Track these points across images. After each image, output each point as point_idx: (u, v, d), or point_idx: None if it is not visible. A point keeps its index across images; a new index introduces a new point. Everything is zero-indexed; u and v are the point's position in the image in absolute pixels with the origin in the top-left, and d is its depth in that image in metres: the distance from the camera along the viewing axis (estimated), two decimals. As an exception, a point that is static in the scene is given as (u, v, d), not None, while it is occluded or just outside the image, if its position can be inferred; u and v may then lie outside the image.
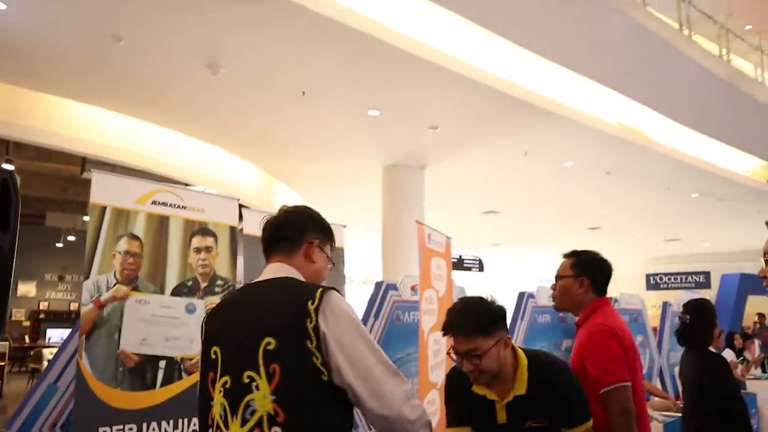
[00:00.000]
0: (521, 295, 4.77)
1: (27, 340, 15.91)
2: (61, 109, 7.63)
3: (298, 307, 1.54)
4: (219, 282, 3.16)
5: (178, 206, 3.02)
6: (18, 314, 16.77)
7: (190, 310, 3.00)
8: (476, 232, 14.68)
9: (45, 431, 2.78)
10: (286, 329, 1.54)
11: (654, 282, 19.46)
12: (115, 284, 2.76)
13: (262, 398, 1.51)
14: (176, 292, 2.97)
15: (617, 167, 9.69)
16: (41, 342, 15.35)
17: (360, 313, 4.25)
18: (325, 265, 1.80)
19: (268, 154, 9.10)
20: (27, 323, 16.75)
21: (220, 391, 1.60)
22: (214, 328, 1.72)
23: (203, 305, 3.07)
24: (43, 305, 17.14)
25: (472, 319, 2.04)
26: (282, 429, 1.49)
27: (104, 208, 2.76)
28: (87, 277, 2.69)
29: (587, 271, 2.54)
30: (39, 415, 2.77)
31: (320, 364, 1.52)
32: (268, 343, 1.53)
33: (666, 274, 19.49)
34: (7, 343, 12.71)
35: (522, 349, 2.16)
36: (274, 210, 1.86)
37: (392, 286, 4.31)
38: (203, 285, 3.09)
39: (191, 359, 2.95)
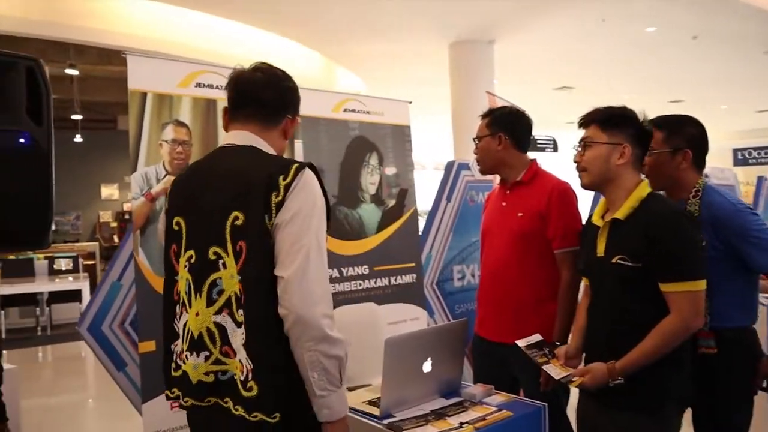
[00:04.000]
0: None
1: (116, 240, 16.72)
2: (113, 6, 7.41)
3: (269, 179, 1.40)
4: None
5: (225, 87, 2.76)
6: (105, 216, 17.56)
7: (248, 199, 2.81)
8: (549, 111, 13.96)
9: (115, 329, 2.73)
10: (254, 203, 1.39)
11: (742, 157, 18.26)
12: (164, 175, 2.58)
13: (229, 277, 1.40)
14: (232, 181, 2.77)
15: (706, 30, 8.71)
16: (128, 241, 16.08)
17: (432, 197, 4.02)
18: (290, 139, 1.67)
19: (326, 36, 8.66)
20: (114, 224, 17.56)
21: (185, 266, 1.49)
22: (177, 196, 1.58)
23: (261, 194, 2.87)
24: (127, 206, 17.82)
25: (600, 109, 1.93)
26: (244, 312, 1.38)
27: (144, 95, 2.53)
28: (134, 169, 2.51)
29: (504, 127, 2.43)
30: (106, 313, 2.71)
31: (272, 244, 1.39)
32: (236, 218, 1.41)
33: (756, 148, 18.23)
34: (97, 243, 13.38)
35: (657, 193, 1.90)
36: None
37: (465, 166, 4.02)
38: (260, 172, 2.89)
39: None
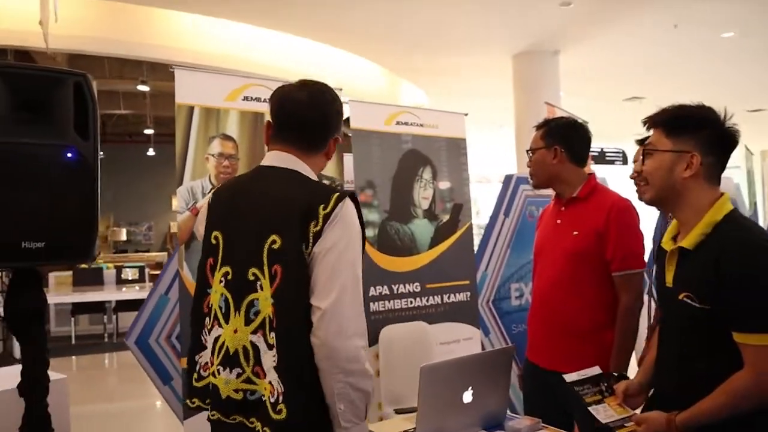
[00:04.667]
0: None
1: (184, 249, 17.15)
2: (180, 23, 7.62)
3: (309, 207, 1.40)
4: (325, 181, 2.89)
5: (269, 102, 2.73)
6: (175, 226, 18.07)
7: (295, 214, 2.76)
8: (618, 123, 13.50)
9: (162, 342, 2.73)
10: (292, 229, 1.39)
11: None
12: (210, 189, 2.56)
13: (264, 299, 1.41)
14: (278, 195, 2.73)
15: (790, 34, 8.22)
16: (196, 252, 16.55)
17: (490, 210, 3.89)
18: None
19: (387, 50, 8.62)
20: (184, 235, 18.04)
21: (221, 281, 1.50)
22: (217, 210, 1.58)
23: (309, 209, 2.82)
24: (195, 217, 18.30)
25: (666, 109, 1.66)
26: (275, 336, 1.39)
27: (192, 108, 2.53)
28: (180, 183, 2.50)
29: (560, 139, 2.27)
30: (153, 326, 2.72)
31: (308, 273, 1.39)
32: (273, 241, 1.41)
33: None
34: (166, 252, 13.78)
35: (738, 213, 1.59)
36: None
37: (524, 180, 3.87)
38: (308, 186, 2.84)
39: (300, 267, 2.74)
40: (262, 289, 1.42)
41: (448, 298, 3.42)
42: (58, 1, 5.23)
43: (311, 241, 1.38)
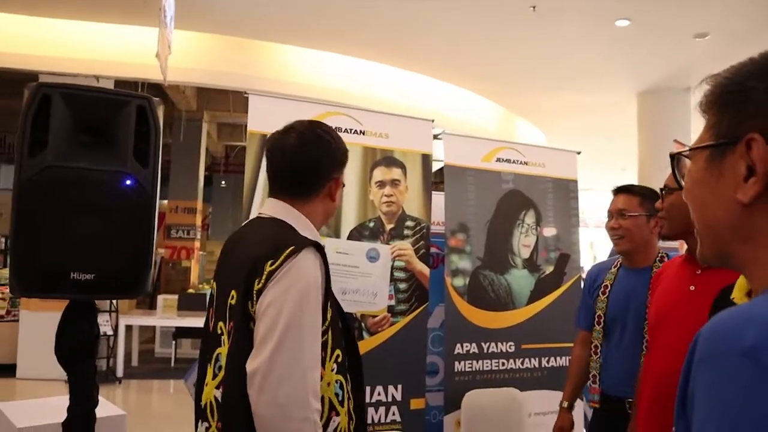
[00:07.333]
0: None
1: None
2: (303, 59, 7.72)
3: (255, 263, 1.32)
4: (409, 223, 2.60)
5: (356, 131, 2.50)
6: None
7: (372, 257, 2.48)
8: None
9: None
10: (243, 285, 1.32)
11: None
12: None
13: (224, 355, 1.36)
14: (355, 235, 2.47)
15: None
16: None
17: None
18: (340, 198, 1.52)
19: (500, 86, 8.30)
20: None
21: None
22: (219, 259, 1.54)
23: (388, 252, 2.53)
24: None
25: None
26: (221, 395, 1.34)
27: (264, 137, 2.33)
28: (246, 218, 2.30)
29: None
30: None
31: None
32: (232, 296, 1.36)
33: None
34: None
35: None
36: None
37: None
38: (389, 227, 2.56)
39: (374, 316, 2.44)
40: (223, 344, 1.37)
41: (547, 361, 3.00)
42: (173, 35, 5.38)
43: (255, 298, 1.28)
